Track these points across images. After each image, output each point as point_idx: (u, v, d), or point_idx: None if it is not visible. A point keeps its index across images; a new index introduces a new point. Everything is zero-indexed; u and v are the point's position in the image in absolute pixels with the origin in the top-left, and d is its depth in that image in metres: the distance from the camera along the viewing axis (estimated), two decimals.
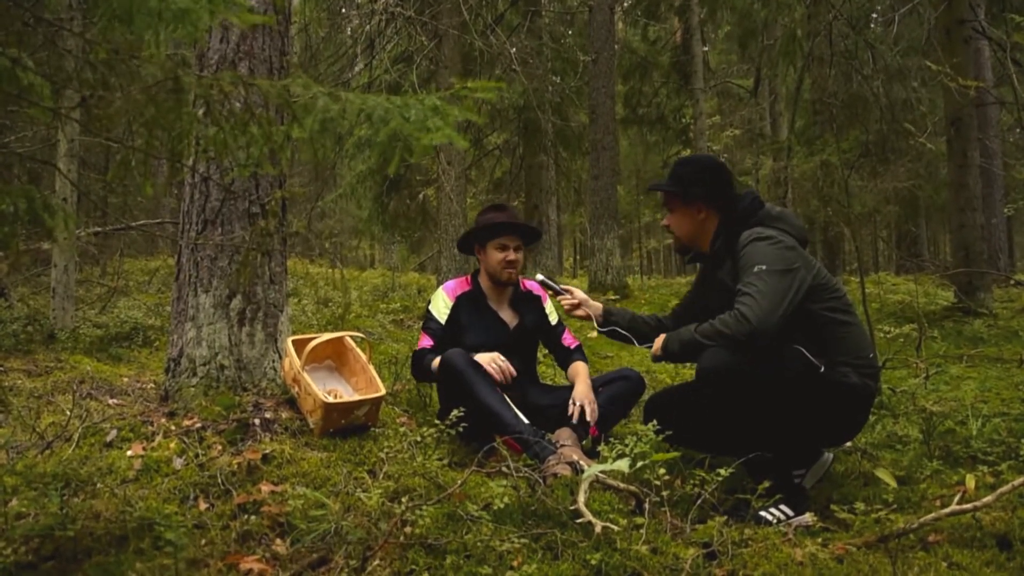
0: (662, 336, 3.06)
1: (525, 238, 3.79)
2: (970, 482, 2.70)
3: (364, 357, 3.50)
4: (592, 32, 11.48)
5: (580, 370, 3.74)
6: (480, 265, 3.84)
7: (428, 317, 3.78)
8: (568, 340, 3.93)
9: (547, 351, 4.05)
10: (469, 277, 3.90)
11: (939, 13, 8.52)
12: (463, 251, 3.93)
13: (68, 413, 3.31)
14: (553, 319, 3.94)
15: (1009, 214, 14.55)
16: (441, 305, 3.77)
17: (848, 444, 3.39)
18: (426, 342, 3.71)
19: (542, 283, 3.53)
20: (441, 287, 3.88)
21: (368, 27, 10.00)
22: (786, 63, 11.63)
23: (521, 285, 3.91)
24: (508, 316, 3.83)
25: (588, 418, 3.40)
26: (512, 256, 3.71)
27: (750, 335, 2.67)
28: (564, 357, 3.91)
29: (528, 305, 3.90)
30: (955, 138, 8.39)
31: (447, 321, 3.73)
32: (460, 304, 3.77)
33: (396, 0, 9.54)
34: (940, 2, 8.49)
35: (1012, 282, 10.56)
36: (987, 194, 12.60)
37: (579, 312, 3.43)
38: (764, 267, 2.74)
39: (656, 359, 3.09)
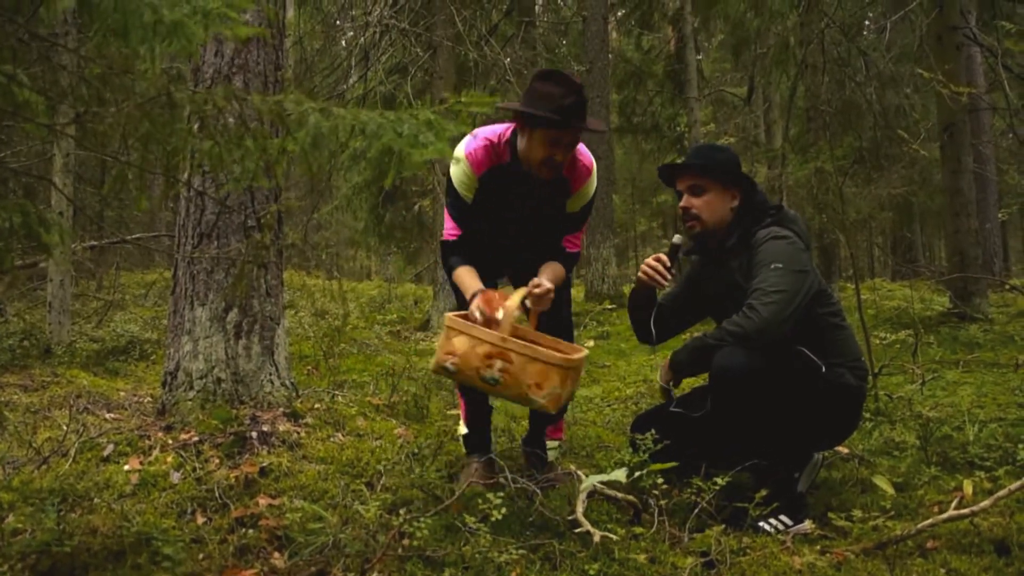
0: (666, 360, 3.00)
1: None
2: (967, 488, 2.70)
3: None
4: (586, 42, 11.53)
5: (555, 265, 3.07)
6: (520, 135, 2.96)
7: (451, 192, 3.05)
8: (574, 242, 3.17)
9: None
10: (507, 138, 3.00)
11: (930, 20, 8.55)
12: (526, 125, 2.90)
13: (65, 428, 3.31)
14: (572, 208, 3.11)
15: (1003, 219, 14.60)
16: (464, 178, 2.99)
17: (845, 451, 3.39)
18: (451, 230, 3.09)
19: (674, 248, 3.07)
20: (465, 148, 2.97)
21: (363, 39, 10.04)
22: (779, 71, 11.70)
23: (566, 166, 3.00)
24: (535, 193, 3.04)
25: (531, 303, 2.84)
26: (559, 157, 2.86)
27: (760, 331, 2.67)
28: (552, 254, 3.14)
29: (556, 184, 3.03)
30: (948, 144, 8.41)
31: (475, 201, 3.02)
32: (487, 181, 2.97)
33: (390, 12, 9.58)
34: (931, 9, 8.53)
35: (1007, 287, 10.59)
36: (981, 199, 12.63)
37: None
38: (781, 265, 2.74)
39: (667, 384, 3.00)
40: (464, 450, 3.21)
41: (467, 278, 2.96)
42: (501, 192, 3.01)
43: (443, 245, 3.11)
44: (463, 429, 3.22)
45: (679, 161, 3.23)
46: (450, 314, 2.71)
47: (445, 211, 3.10)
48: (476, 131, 2.99)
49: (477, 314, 2.72)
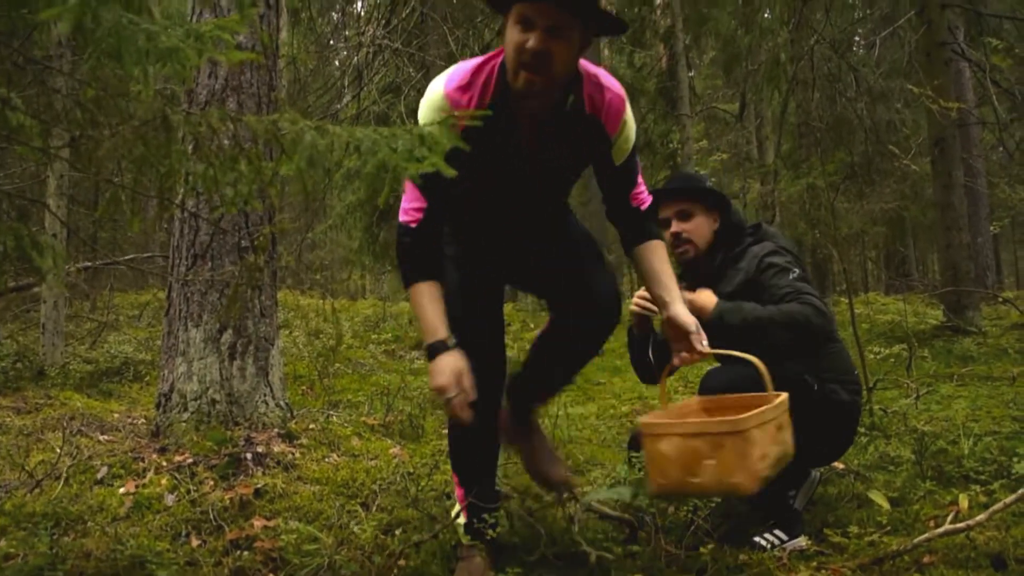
0: (709, 297, 2.81)
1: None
2: (963, 502, 2.70)
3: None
4: None
5: (659, 254, 2.39)
6: None
7: None
8: (642, 197, 2.39)
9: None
10: (496, 63, 2.18)
11: (919, 36, 8.63)
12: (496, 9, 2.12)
13: (58, 450, 3.29)
14: (619, 157, 2.29)
15: (995, 232, 14.67)
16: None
17: (840, 466, 3.39)
18: (412, 205, 2.23)
19: None
20: (445, 84, 2.17)
21: (356, 59, 10.08)
22: (771, 87, 11.76)
23: (587, 99, 2.18)
24: (534, 141, 2.23)
25: (699, 348, 2.23)
26: (532, 43, 1.99)
27: (826, 332, 2.71)
28: (630, 228, 2.40)
29: (580, 129, 2.22)
30: (939, 158, 8.47)
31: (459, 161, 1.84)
32: (481, 131, 1.95)
33: (383, 32, 9.63)
34: (919, 25, 8.61)
35: (1000, 300, 10.63)
36: (972, 213, 12.70)
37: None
38: (798, 272, 2.78)
39: (708, 320, 2.77)
40: (462, 537, 2.46)
41: (429, 309, 2.18)
42: (502, 145, 2.18)
43: (400, 232, 2.24)
44: (462, 518, 2.47)
45: (666, 187, 3.21)
46: (646, 419, 2.17)
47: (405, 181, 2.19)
48: (454, 67, 2.21)
49: (452, 391, 2.07)
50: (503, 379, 2.44)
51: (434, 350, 2.14)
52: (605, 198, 2.40)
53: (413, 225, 2.23)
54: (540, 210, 2.42)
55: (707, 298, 2.81)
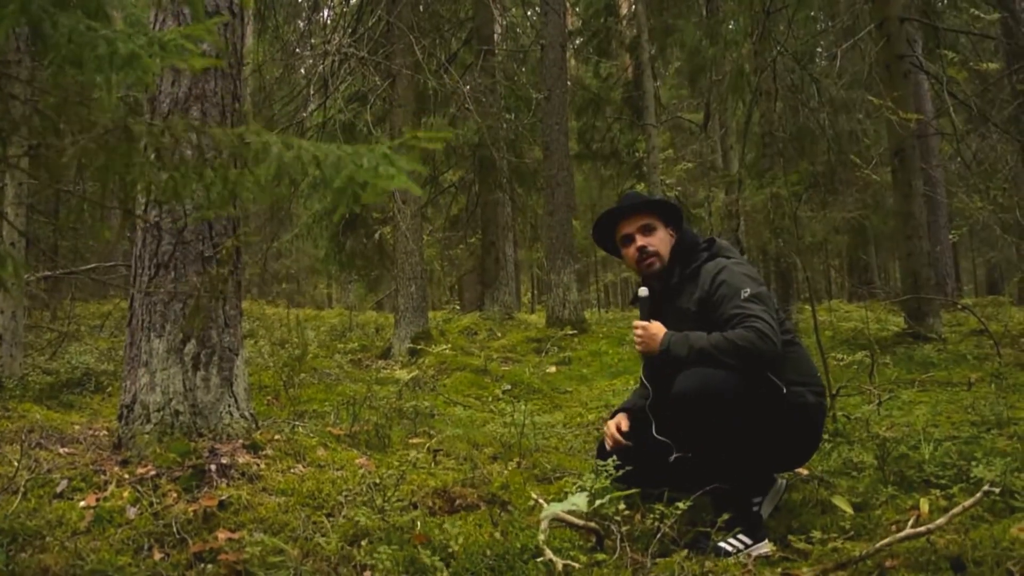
0: (659, 328, 2.94)
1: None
2: (924, 506, 2.74)
3: None
4: (544, 70, 11.64)
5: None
6: None
7: None
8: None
9: None
10: None
11: (879, 48, 8.79)
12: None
13: (16, 464, 3.22)
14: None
15: (954, 240, 14.94)
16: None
17: (805, 472, 3.43)
18: None
19: (641, 299, 3.13)
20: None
21: (322, 67, 10.05)
22: (735, 98, 11.91)
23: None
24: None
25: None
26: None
27: (773, 354, 2.73)
28: None
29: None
30: (899, 168, 8.62)
31: None
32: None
33: (349, 41, 9.61)
34: (880, 38, 8.77)
35: (959, 307, 10.83)
36: (932, 221, 12.96)
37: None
38: (749, 291, 2.83)
39: (651, 356, 2.96)
40: None
41: None
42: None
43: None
44: None
45: (628, 203, 3.28)
46: None
47: None
48: None
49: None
50: None
51: None
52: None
53: None
54: None
55: (656, 329, 2.93)
